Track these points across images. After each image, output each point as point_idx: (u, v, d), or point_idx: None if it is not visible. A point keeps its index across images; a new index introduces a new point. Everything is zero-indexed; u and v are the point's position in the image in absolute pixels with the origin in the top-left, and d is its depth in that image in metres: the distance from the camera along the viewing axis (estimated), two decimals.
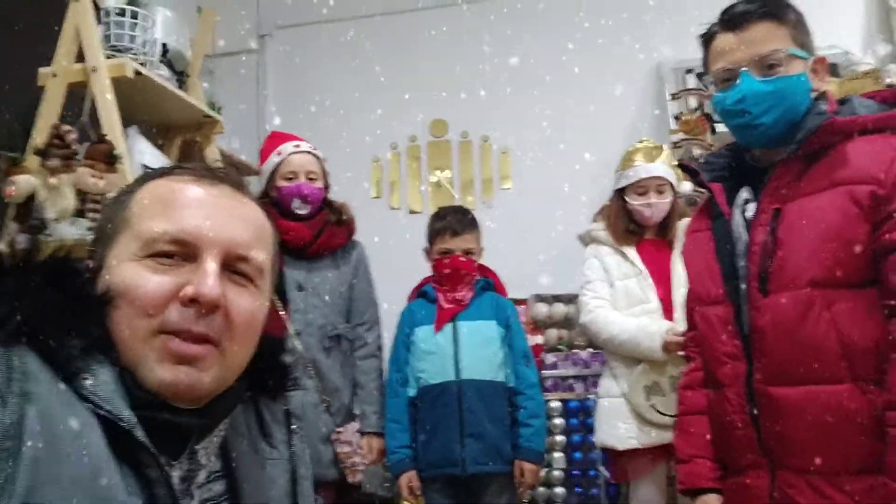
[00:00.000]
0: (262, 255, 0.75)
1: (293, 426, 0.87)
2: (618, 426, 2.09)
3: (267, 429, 0.83)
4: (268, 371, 0.83)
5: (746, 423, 1.21)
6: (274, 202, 2.07)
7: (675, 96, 2.94)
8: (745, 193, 1.29)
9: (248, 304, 0.72)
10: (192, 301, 0.66)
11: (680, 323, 1.99)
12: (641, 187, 2.18)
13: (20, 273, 0.63)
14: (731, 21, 1.25)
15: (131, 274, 0.67)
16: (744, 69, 1.22)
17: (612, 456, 2.21)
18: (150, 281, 0.67)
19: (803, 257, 1.15)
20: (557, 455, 2.53)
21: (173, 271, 0.68)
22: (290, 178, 2.07)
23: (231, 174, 0.79)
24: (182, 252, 0.69)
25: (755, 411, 1.20)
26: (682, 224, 2.19)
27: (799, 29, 1.24)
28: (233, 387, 0.74)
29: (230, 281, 0.71)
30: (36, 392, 0.58)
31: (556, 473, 2.52)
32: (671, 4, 3.09)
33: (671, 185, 2.21)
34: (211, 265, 0.69)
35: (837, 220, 1.14)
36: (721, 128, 2.75)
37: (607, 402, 2.16)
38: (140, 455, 0.63)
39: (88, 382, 0.62)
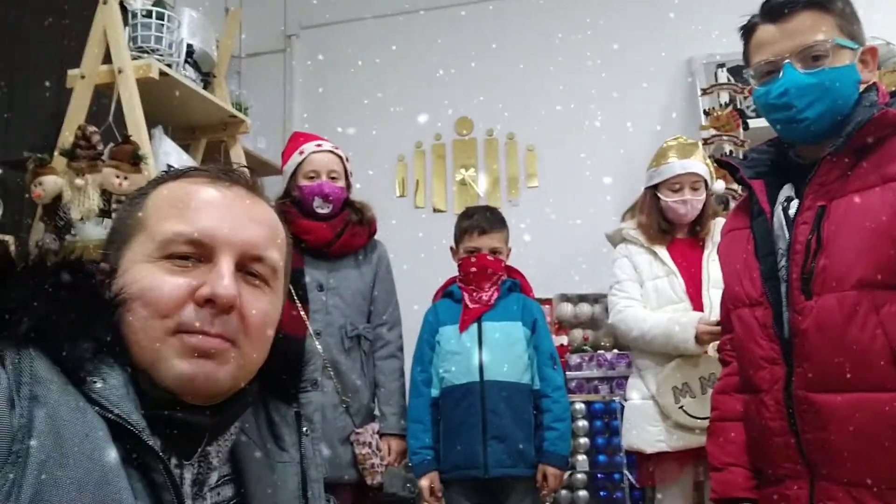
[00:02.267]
0: (275, 255, 0.75)
1: (304, 429, 0.87)
2: (646, 429, 2.06)
3: (277, 431, 0.83)
4: (279, 373, 0.83)
5: (785, 431, 1.16)
6: (296, 201, 2.06)
7: (706, 91, 2.87)
8: (787, 191, 1.24)
9: (263, 305, 0.72)
10: (208, 301, 0.67)
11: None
12: (676, 184, 2.13)
13: (33, 275, 0.63)
14: (772, 11, 1.19)
15: (147, 275, 0.67)
16: (787, 61, 1.16)
17: (639, 459, 2.17)
18: (165, 282, 0.67)
19: (850, 257, 1.10)
20: (581, 458, 2.49)
21: (189, 273, 0.68)
22: (312, 178, 2.06)
23: (245, 176, 0.79)
24: (197, 253, 0.69)
25: (795, 418, 1.15)
26: (717, 223, 2.14)
27: (846, 18, 1.18)
28: (245, 387, 0.74)
29: (244, 282, 0.71)
30: (45, 395, 0.58)
31: (580, 476, 2.48)
32: None
33: (706, 182, 2.16)
34: (226, 266, 0.69)
35: (887, 217, 1.08)
36: (753, 123, 2.69)
37: (635, 403, 2.13)
38: (148, 459, 0.62)
39: (98, 386, 0.62)
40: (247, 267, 0.72)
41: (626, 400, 2.25)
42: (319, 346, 1.97)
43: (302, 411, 0.88)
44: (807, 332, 1.13)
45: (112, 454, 0.59)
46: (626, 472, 2.44)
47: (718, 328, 1.84)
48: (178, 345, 0.66)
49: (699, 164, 2.16)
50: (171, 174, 0.77)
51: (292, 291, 1.96)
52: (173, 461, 0.67)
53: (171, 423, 0.65)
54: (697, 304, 2.07)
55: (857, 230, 1.10)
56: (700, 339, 1.96)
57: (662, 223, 2.17)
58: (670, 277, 2.11)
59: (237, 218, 0.72)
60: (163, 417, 0.65)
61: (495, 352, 2.07)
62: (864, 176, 1.13)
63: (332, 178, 2.07)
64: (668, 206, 2.14)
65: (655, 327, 2.04)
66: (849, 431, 1.08)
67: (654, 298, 2.12)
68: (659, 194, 2.17)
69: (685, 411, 1.99)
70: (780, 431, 1.17)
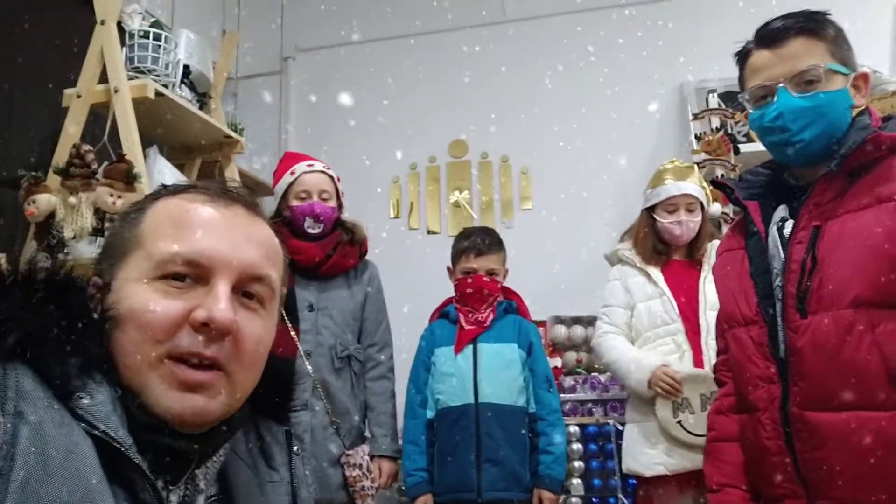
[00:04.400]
0: (274, 275, 0.74)
1: (294, 448, 0.85)
2: (644, 451, 2.05)
3: (268, 450, 0.82)
4: (270, 393, 0.81)
5: (781, 450, 1.16)
6: (286, 221, 2.06)
7: (697, 116, 2.90)
8: (781, 211, 1.25)
9: (257, 329, 0.71)
10: (203, 325, 0.65)
11: (710, 346, 1.95)
12: (672, 205, 2.16)
13: (21, 289, 0.62)
14: (767, 37, 1.22)
15: (142, 296, 0.66)
16: (781, 85, 1.18)
17: (639, 483, 2.16)
18: (160, 305, 0.65)
19: (845, 276, 1.11)
20: (576, 481, 2.46)
21: (184, 295, 0.67)
22: (303, 198, 2.06)
23: (244, 194, 0.78)
24: (194, 273, 0.68)
25: (791, 437, 1.15)
26: (714, 245, 2.16)
27: (838, 44, 1.21)
28: (236, 411, 0.72)
29: (240, 304, 0.70)
30: (30, 411, 0.57)
31: (575, 500, 2.45)
32: (694, 25, 3.08)
33: (701, 204, 2.18)
34: (223, 288, 0.67)
35: (882, 237, 1.09)
36: (744, 148, 2.71)
37: (633, 427, 2.13)
38: (135, 477, 0.61)
39: (84, 402, 0.61)
40: (244, 288, 0.70)
41: (622, 424, 2.25)
42: (309, 367, 1.96)
43: (294, 431, 0.87)
44: (802, 351, 1.14)
45: (97, 471, 0.58)
46: (621, 496, 2.41)
47: (675, 381, 1.96)
48: (168, 375, 0.64)
49: (694, 185, 2.19)
50: (170, 190, 0.76)
51: (283, 312, 1.94)
52: (159, 483, 0.65)
53: (158, 448, 0.64)
54: (694, 326, 2.08)
55: (851, 250, 1.11)
56: (652, 384, 1.99)
57: (658, 244, 2.19)
58: (662, 299, 2.12)
59: (235, 238, 0.71)
60: (150, 442, 0.64)
61: (490, 373, 2.07)
62: (859, 197, 1.14)
63: (324, 199, 2.07)
64: (663, 227, 2.17)
65: (618, 361, 2.10)
66: (845, 450, 1.08)
67: (647, 320, 2.13)
68: (655, 216, 2.19)
69: (683, 426, 1.99)
70: (776, 451, 1.17)
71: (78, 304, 0.64)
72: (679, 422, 1.99)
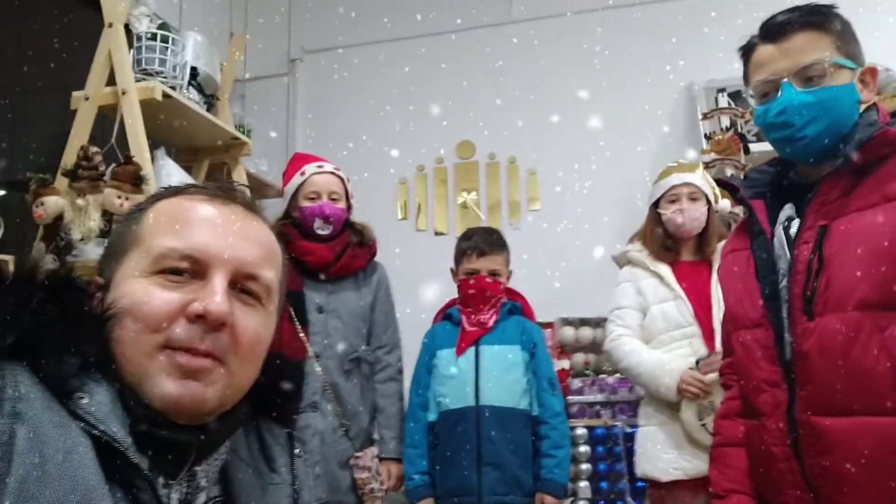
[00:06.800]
0: (270, 274, 0.74)
1: (296, 450, 0.85)
2: (661, 456, 2.01)
3: (269, 452, 0.82)
4: (272, 394, 0.82)
5: (788, 456, 1.14)
6: (296, 223, 2.06)
7: (706, 116, 2.88)
8: (787, 210, 1.23)
9: (255, 324, 0.72)
10: (199, 317, 0.66)
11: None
12: (674, 195, 2.15)
13: (20, 289, 0.63)
14: (771, 32, 1.20)
15: (139, 289, 0.67)
16: (785, 80, 1.16)
17: (650, 487, 2.13)
18: (157, 297, 0.67)
19: (852, 277, 1.08)
20: (583, 484, 2.44)
21: (181, 288, 0.68)
22: (313, 199, 2.06)
23: (243, 194, 0.79)
24: (191, 269, 0.69)
25: (797, 443, 1.12)
26: (722, 245, 2.14)
27: (844, 38, 1.18)
28: (235, 407, 0.73)
29: (237, 300, 0.71)
30: (27, 412, 0.57)
31: (582, 503, 2.43)
32: (702, 23, 3.05)
33: (706, 197, 2.16)
34: (219, 282, 0.68)
35: (890, 237, 1.06)
36: (754, 147, 2.69)
37: (648, 430, 2.09)
38: (134, 477, 0.61)
39: (84, 402, 0.61)
40: (240, 285, 0.71)
41: (631, 427, 2.22)
42: (319, 369, 1.96)
43: (296, 433, 0.87)
44: (809, 354, 1.11)
45: (95, 472, 0.58)
46: (629, 499, 2.40)
47: (704, 384, 1.91)
48: (165, 362, 0.65)
49: (697, 177, 2.17)
50: (170, 191, 0.77)
51: (293, 313, 1.95)
52: (160, 480, 0.66)
53: (158, 442, 0.64)
54: (707, 328, 2.04)
55: (858, 250, 1.09)
56: (681, 389, 1.95)
57: (666, 240, 2.16)
58: (677, 301, 2.08)
59: (233, 235, 0.72)
60: (149, 435, 0.64)
61: (492, 376, 2.04)
62: (866, 195, 1.11)
63: (333, 200, 2.07)
64: (667, 219, 2.15)
65: (641, 365, 2.05)
66: (853, 457, 1.05)
67: (661, 322, 2.09)
68: (660, 210, 2.18)
69: (707, 429, 1.93)
70: (782, 457, 1.14)
71: (77, 303, 0.65)
72: (703, 425, 1.95)
